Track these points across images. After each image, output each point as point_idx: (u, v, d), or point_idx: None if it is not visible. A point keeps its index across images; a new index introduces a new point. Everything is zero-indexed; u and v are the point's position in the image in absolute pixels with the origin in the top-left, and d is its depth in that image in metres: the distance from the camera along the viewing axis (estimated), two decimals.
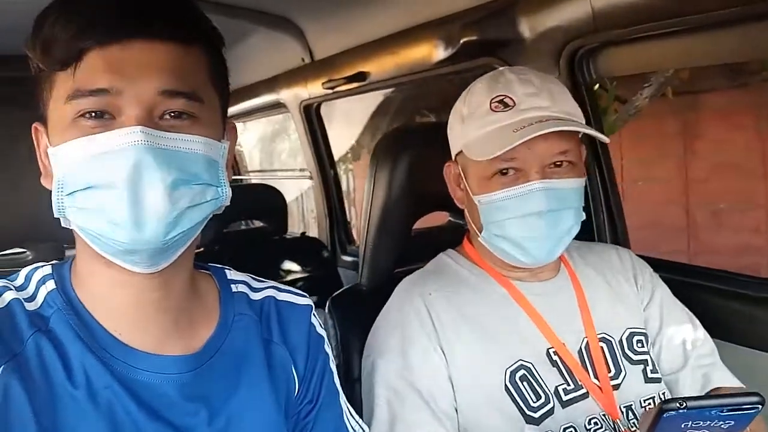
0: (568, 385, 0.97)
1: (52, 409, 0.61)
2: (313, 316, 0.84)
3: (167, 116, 0.64)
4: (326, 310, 1.16)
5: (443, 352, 0.96)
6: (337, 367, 1.11)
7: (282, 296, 0.83)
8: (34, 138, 0.69)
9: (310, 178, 2.55)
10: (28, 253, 1.08)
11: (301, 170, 3.14)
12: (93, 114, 0.62)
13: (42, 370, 0.62)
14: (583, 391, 0.97)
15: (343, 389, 1.08)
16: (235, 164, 3.41)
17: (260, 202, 2.34)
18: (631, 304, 1.07)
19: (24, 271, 0.71)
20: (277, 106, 2.61)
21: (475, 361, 0.96)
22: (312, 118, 2.42)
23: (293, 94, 2.39)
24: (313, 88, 2.23)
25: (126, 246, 0.62)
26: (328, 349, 0.85)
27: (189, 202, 0.64)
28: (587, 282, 1.07)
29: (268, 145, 5.76)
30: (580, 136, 1.02)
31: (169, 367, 0.68)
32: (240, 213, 2.39)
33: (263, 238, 2.35)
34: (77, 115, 0.62)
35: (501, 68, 1.04)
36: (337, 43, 2.02)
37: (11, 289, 0.67)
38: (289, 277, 2.28)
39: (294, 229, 2.59)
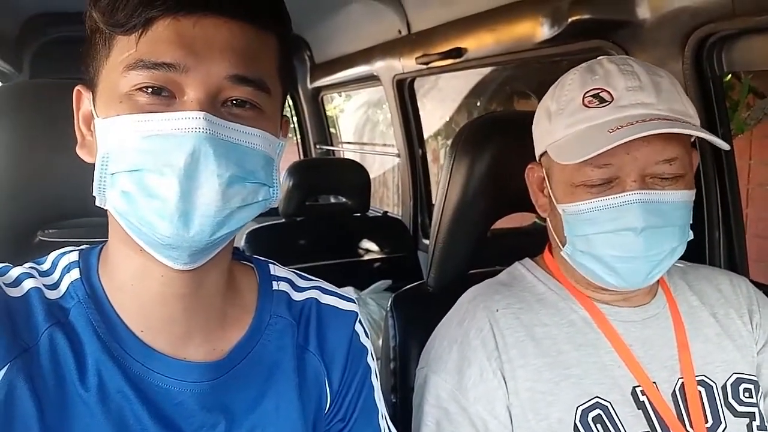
0: None
1: (59, 412, 0.58)
2: (357, 324, 0.77)
3: (229, 104, 0.58)
4: (388, 308, 1.08)
5: (504, 377, 0.85)
6: (393, 372, 1.05)
7: (326, 299, 0.76)
8: (74, 101, 0.64)
9: (398, 155, 2.46)
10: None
11: (384, 145, 3.06)
12: (151, 89, 0.56)
13: (53, 368, 0.59)
14: None
15: (398, 397, 1.00)
16: (327, 134, 3.44)
17: (344, 177, 2.29)
18: (742, 344, 0.90)
19: (52, 256, 0.67)
20: (371, 79, 2.54)
21: (541, 392, 0.84)
22: (404, 93, 2.33)
23: (387, 68, 2.30)
24: (408, 63, 2.13)
25: (168, 241, 0.56)
26: (371, 361, 0.77)
27: (241, 201, 0.58)
28: (689, 312, 0.92)
29: (371, 117, 5.71)
30: (692, 140, 0.85)
31: (189, 374, 0.63)
32: (324, 186, 2.35)
33: (344, 214, 2.31)
34: (134, 88, 0.56)
35: (599, 57, 0.89)
36: (436, 16, 1.90)
37: (33, 276, 0.63)
38: (367, 257, 2.23)
39: (391, 205, 2.53)
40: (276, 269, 0.76)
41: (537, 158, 0.93)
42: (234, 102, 0.58)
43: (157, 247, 0.58)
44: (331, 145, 3.43)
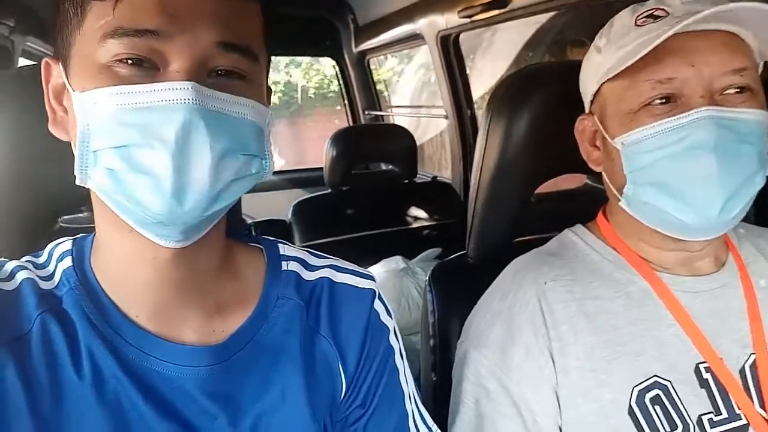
0: (719, 413, 0.74)
1: (53, 401, 0.55)
2: (377, 301, 0.71)
3: (215, 74, 0.55)
4: (427, 282, 1.01)
5: (552, 356, 0.77)
6: (433, 349, 0.98)
7: (340, 277, 0.70)
8: (43, 75, 0.59)
9: (446, 117, 2.35)
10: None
11: (432, 107, 2.95)
12: (132, 60, 0.52)
13: (46, 357, 0.56)
14: (741, 422, 0.73)
15: (437, 375, 0.94)
16: (376, 99, 3.35)
17: (390, 143, 2.21)
18: None
19: (49, 247, 0.65)
20: (416, 38, 2.43)
21: (594, 371, 0.76)
22: (449, 50, 2.21)
23: (430, 24, 2.18)
24: (451, 18, 2.01)
25: (160, 218, 0.53)
26: (394, 341, 0.72)
27: (234, 174, 0.55)
28: (764, 282, 0.80)
29: (428, 78, 5.53)
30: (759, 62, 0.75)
31: (189, 358, 0.60)
32: (369, 154, 2.28)
33: (392, 181, 2.24)
34: (113, 59, 0.52)
35: None
36: None
37: (27, 269, 0.61)
38: (416, 224, 2.16)
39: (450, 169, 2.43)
40: (286, 249, 0.72)
41: (587, 108, 0.83)
42: (220, 72, 0.55)
43: (148, 225, 0.55)
44: (380, 109, 3.35)
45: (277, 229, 2.06)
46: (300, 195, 2.21)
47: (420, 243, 1.98)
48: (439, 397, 0.94)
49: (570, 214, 0.95)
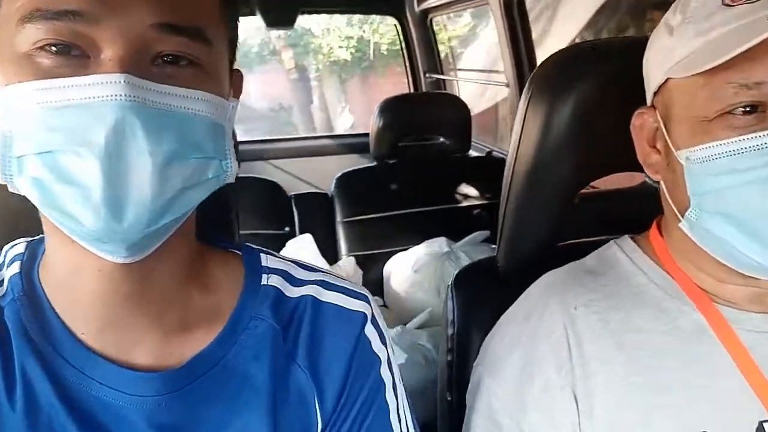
0: None
1: None
2: (369, 326, 0.61)
3: (160, 61, 0.47)
4: (449, 289, 0.90)
5: (575, 396, 0.65)
6: (449, 364, 0.88)
7: (327, 296, 0.61)
8: None
9: (507, 85, 2.17)
10: None
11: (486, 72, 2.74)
12: (56, 48, 0.44)
13: None
14: None
15: (453, 395, 0.85)
16: (438, 62, 3.17)
17: (442, 113, 2.06)
18: None
19: (5, 248, 0.58)
20: None
21: (627, 421, 0.63)
22: (512, 11, 2.01)
23: None
24: None
25: (96, 235, 0.46)
26: (387, 373, 0.62)
27: (184, 181, 0.48)
28: None
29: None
30: None
31: (136, 384, 0.52)
32: (418, 125, 2.13)
33: (442, 155, 2.10)
34: (34, 47, 0.44)
35: None
36: None
37: None
38: (466, 203, 2.02)
39: None
40: (269, 259, 0.63)
41: (649, 100, 0.67)
42: (167, 59, 0.47)
43: (87, 240, 0.48)
44: (442, 73, 3.17)
45: (318, 202, 1.99)
46: (344, 166, 2.11)
47: (468, 224, 1.85)
48: (455, 419, 0.84)
49: (622, 218, 0.81)
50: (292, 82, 6.26)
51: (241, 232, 1.95)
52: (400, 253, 1.83)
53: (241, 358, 0.56)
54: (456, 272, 0.91)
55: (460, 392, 0.84)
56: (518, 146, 0.82)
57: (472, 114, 2.33)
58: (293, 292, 0.61)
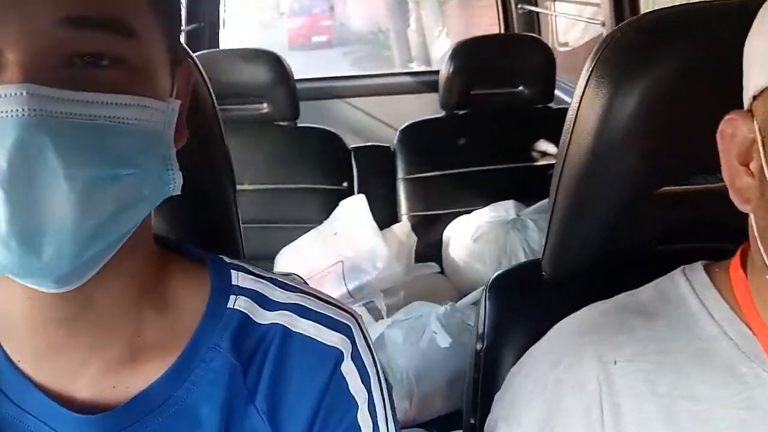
0: None
1: None
2: (347, 363, 0.52)
3: (78, 62, 0.40)
4: (483, 295, 0.78)
5: None
6: (474, 383, 0.77)
7: (300, 325, 0.52)
8: None
9: (602, 24, 1.89)
10: None
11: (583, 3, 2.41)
12: None
13: None
14: None
15: (477, 418, 0.76)
16: None
17: (521, 58, 1.84)
18: None
19: None
20: None
21: None
22: None
23: None
24: None
25: (12, 269, 0.40)
26: (365, 419, 0.52)
27: (115, 202, 0.41)
28: None
29: None
30: None
31: (74, 428, 0.47)
32: (494, 71, 1.91)
33: (520, 106, 1.89)
34: None
35: None
36: None
37: None
38: (542, 161, 1.83)
39: None
40: (241, 278, 0.54)
41: (746, 104, 0.50)
42: (84, 59, 0.39)
43: (7, 272, 0.42)
44: (537, 5, 2.86)
45: (379, 156, 1.86)
46: (411, 117, 1.95)
47: (544, 186, 1.67)
48: None
49: (710, 224, 0.67)
50: (390, 4, 6.19)
51: (299, 186, 1.88)
52: (461, 217, 1.69)
53: (193, 398, 0.49)
54: (495, 275, 0.79)
55: (484, 417, 0.73)
56: (571, 135, 0.67)
57: (571, 47, 2.05)
58: (264, 317, 0.52)
